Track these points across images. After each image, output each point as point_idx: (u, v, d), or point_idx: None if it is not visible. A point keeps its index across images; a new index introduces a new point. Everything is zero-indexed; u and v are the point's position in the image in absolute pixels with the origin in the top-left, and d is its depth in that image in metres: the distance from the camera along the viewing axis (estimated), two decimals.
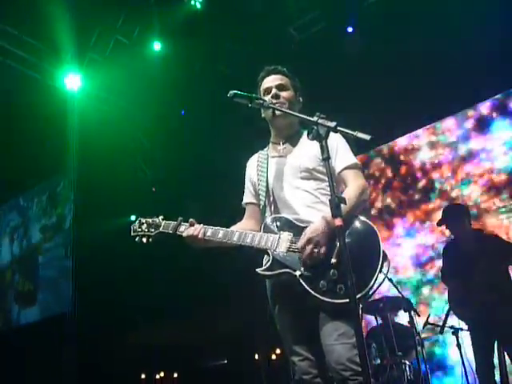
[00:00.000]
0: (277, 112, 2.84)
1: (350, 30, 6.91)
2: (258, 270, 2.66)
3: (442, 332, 5.07)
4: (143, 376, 9.05)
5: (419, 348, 5.15)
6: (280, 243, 2.65)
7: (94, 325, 7.73)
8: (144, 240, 2.95)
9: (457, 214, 5.18)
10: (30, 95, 7.45)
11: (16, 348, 8.59)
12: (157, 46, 7.20)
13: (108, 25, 7.13)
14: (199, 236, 2.76)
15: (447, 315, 5.02)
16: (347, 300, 2.18)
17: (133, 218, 7.60)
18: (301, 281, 2.54)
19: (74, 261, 8.26)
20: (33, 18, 6.65)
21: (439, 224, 5.28)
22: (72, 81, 7.44)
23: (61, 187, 9.45)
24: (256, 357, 7.24)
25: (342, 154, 2.81)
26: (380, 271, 2.49)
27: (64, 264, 8.73)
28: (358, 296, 2.35)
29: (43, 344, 8.11)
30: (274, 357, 7.56)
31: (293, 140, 2.98)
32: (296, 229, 2.65)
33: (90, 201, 8.29)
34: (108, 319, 7.94)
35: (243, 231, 2.77)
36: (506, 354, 4.79)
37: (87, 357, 7.80)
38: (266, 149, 3.08)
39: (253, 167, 3.05)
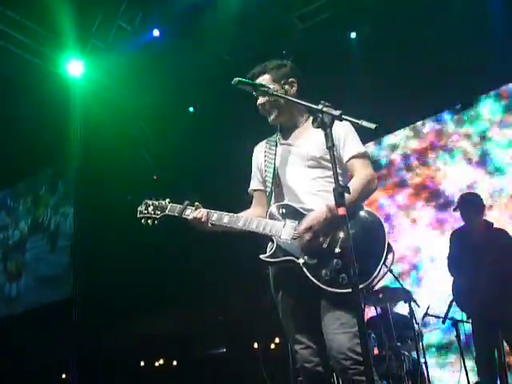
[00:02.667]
0: (271, 116, 2.88)
1: (353, 35, 6.90)
2: (261, 256, 2.65)
3: (444, 322, 5.08)
4: (142, 363, 9.08)
5: (418, 339, 5.17)
6: (285, 231, 2.63)
7: (94, 312, 7.75)
8: (149, 222, 2.93)
9: (472, 203, 5.18)
10: (31, 81, 7.42)
11: (17, 333, 8.65)
12: (156, 32, 7.12)
13: (110, 10, 7.08)
14: (203, 219, 2.75)
15: (450, 305, 5.02)
16: (349, 290, 2.18)
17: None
18: (304, 269, 2.54)
19: (76, 248, 8.29)
20: (35, 2, 6.60)
21: (455, 209, 5.30)
22: (74, 67, 7.38)
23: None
24: (255, 346, 7.25)
25: (349, 142, 2.78)
26: (384, 262, 2.48)
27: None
28: (360, 286, 2.36)
29: (43, 330, 8.16)
30: (272, 346, 7.58)
31: (301, 128, 2.95)
32: (301, 217, 2.63)
33: (91, 187, 8.30)
34: (108, 307, 7.96)
35: (248, 217, 2.76)
36: (507, 345, 4.80)
37: (87, 344, 7.84)
38: (274, 136, 3.05)
39: (260, 154, 3.03)
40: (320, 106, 2.28)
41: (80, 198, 8.64)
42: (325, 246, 2.54)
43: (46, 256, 9.55)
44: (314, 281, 2.51)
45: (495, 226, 5.17)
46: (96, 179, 8.24)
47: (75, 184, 8.81)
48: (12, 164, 9.16)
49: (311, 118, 2.91)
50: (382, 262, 2.48)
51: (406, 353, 5.18)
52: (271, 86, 2.77)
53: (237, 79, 2.59)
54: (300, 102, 2.59)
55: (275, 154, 2.92)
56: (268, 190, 2.86)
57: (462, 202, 5.24)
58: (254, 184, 3.06)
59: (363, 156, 2.79)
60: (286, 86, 2.89)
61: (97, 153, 8.11)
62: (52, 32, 7.07)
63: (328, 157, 2.67)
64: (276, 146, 2.96)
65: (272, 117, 2.90)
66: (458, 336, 5.06)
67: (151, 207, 2.94)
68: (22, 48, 7.12)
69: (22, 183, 10.62)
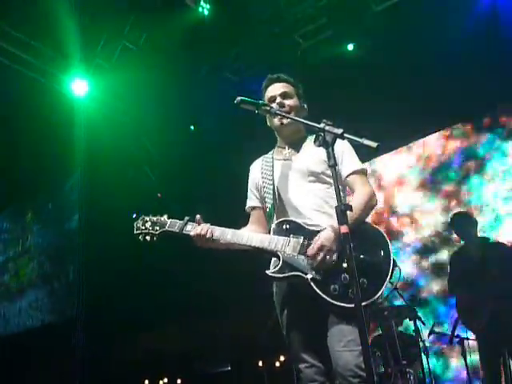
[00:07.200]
0: (284, 121, 2.84)
1: (350, 47, 7.00)
2: (267, 271, 2.62)
3: (451, 343, 5.06)
4: (146, 382, 9.02)
5: (424, 356, 5.13)
6: (290, 246, 2.61)
7: (96, 331, 7.73)
8: (148, 238, 2.84)
9: (464, 223, 5.19)
10: (35, 100, 7.47)
11: (21, 351, 8.64)
12: None
13: (115, 30, 7.15)
14: (207, 235, 2.70)
15: (455, 325, 4.99)
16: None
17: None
18: (312, 284, 2.51)
19: (80, 266, 8.29)
20: (40, 22, 6.66)
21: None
22: (79, 86, 7.44)
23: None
24: (260, 364, 7.20)
25: (348, 158, 2.79)
26: (391, 277, 2.49)
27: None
28: (369, 301, 2.40)
29: (46, 349, 8.13)
30: (277, 364, 7.52)
31: (298, 144, 2.96)
32: (305, 232, 2.63)
33: (95, 204, 8.32)
34: (110, 325, 7.93)
35: (252, 233, 2.75)
36: None
37: (90, 363, 7.79)
38: (270, 152, 3.06)
39: (257, 171, 3.02)
40: (322, 125, 2.29)
41: (84, 216, 8.65)
42: (333, 262, 2.53)
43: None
44: (323, 296, 2.49)
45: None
46: (100, 196, 8.26)
47: (79, 201, 8.85)
48: (18, 183, 9.23)
49: (309, 136, 2.94)
50: (388, 277, 2.48)
51: (412, 371, 5.13)
52: (294, 98, 2.91)
53: (239, 98, 2.60)
54: (303, 121, 2.60)
55: (273, 171, 2.91)
56: (268, 205, 2.84)
57: (455, 222, 5.28)
58: (252, 201, 3.03)
59: (362, 173, 2.80)
60: (304, 104, 3.00)
61: (101, 171, 8.15)
62: (57, 51, 7.13)
63: (328, 172, 2.70)
64: (273, 161, 2.96)
65: (285, 121, 2.85)
66: (463, 353, 5.02)
67: (149, 223, 2.85)
68: (26, 67, 7.16)
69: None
